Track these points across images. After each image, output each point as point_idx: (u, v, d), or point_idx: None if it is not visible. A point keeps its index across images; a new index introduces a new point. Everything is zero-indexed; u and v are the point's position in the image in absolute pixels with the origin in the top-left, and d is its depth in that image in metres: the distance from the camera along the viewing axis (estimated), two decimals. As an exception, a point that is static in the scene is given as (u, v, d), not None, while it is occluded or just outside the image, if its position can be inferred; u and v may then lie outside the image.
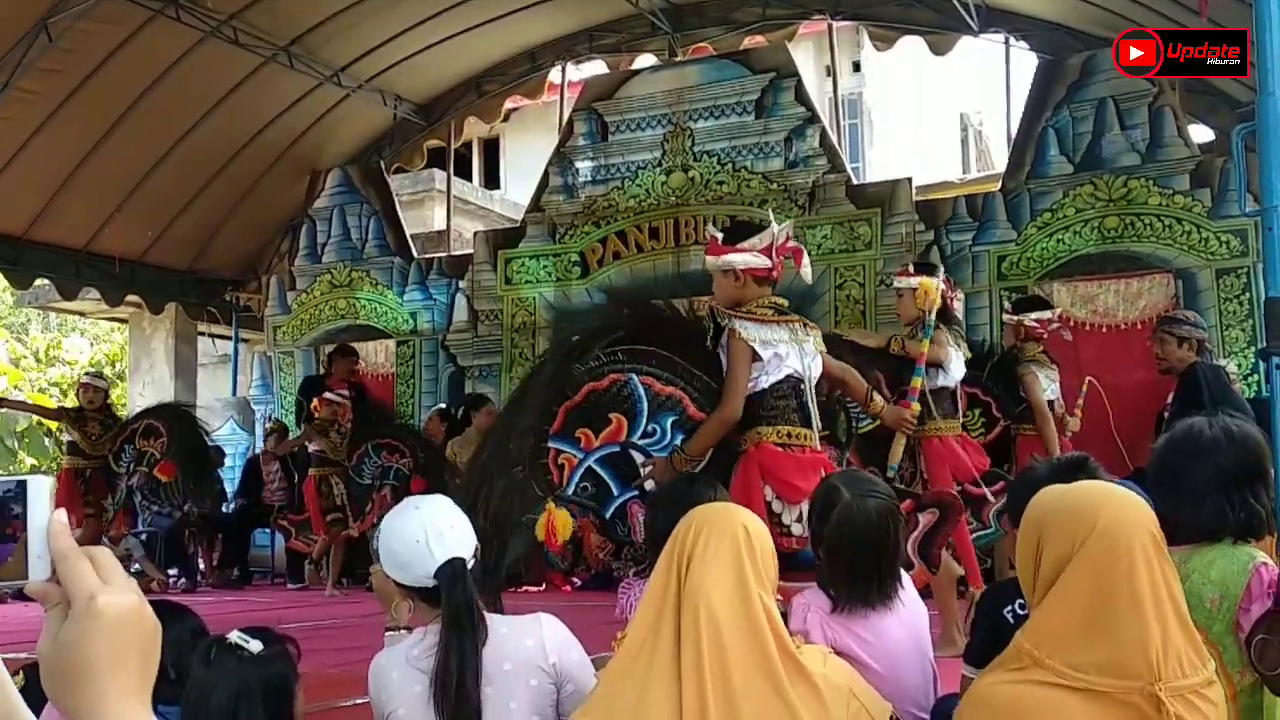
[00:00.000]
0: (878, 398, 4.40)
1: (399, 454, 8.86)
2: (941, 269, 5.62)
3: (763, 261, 3.93)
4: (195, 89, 9.44)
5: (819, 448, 4.00)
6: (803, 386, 3.95)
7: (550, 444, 4.09)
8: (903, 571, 2.75)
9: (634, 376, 4.04)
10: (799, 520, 3.66)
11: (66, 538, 0.85)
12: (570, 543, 9.08)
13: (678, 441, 3.94)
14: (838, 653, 2.45)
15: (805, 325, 4.06)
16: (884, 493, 2.74)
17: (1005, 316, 6.95)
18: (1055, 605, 1.72)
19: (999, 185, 8.72)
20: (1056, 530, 1.74)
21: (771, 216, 4.27)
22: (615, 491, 4.05)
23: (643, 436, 4.01)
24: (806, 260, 4.09)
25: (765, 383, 3.85)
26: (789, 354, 3.89)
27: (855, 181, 9.26)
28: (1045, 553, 1.74)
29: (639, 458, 3.99)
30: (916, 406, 4.66)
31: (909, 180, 8.96)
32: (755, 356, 3.83)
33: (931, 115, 16.26)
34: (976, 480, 5.18)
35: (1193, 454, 2.38)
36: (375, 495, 8.81)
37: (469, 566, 2.33)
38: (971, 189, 9.38)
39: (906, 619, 2.65)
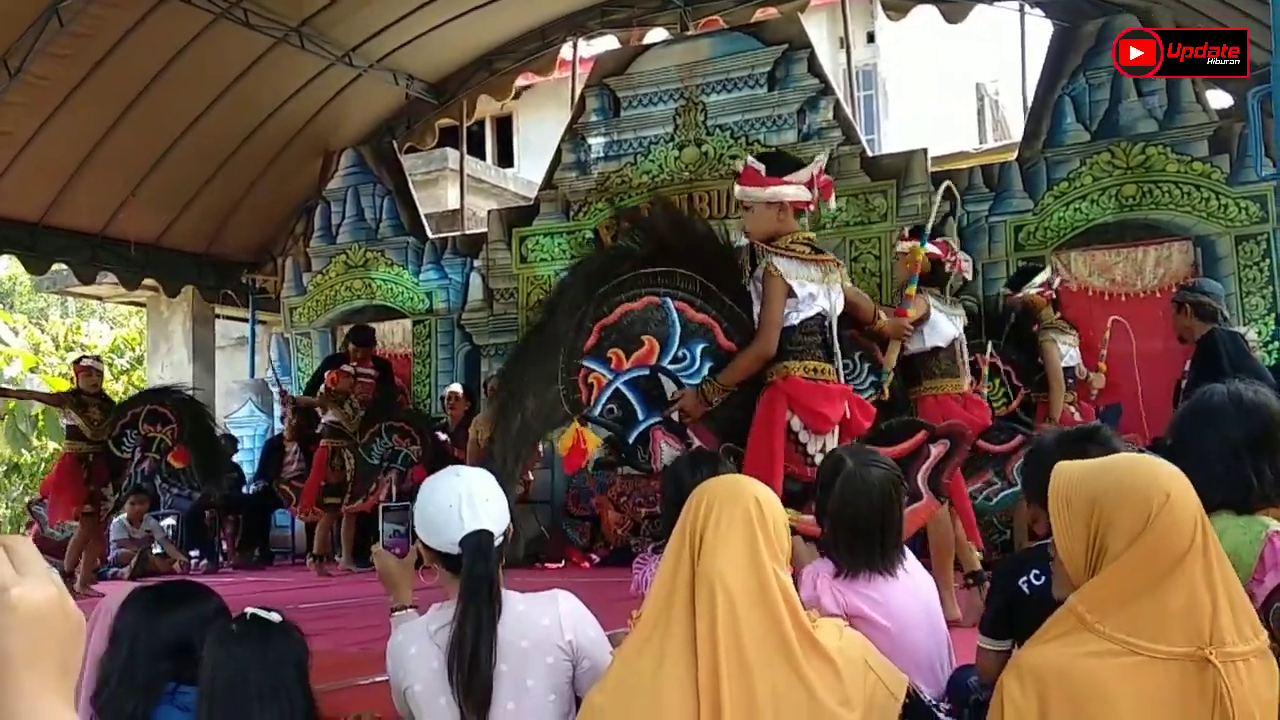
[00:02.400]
0: (882, 315, 4.48)
1: (409, 440, 8.89)
2: (934, 235, 5.64)
3: (805, 195, 3.96)
4: (207, 71, 9.42)
5: (842, 381, 4.04)
6: (828, 323, 3.99)
7: (582, 362, 4.10)
8: (907, 549, 2.77)
9: (669, 300, 4.06)
10: (823, 451, 3.69)
11: None
12: (589, 520, 9.17)
13: (706, 369, 3.97)
14: (848, 616, 2.48)
15: (835, 264, 4.10)
16: (887, 464, 2.77)
17: (1008, 299, 6.96)
18: (1116, 575, 1.72)
19: (1015, 155, 8.64)
20: (1125, 507, 1.73)
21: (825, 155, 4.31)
22: (641, 416, 4.07)
23: (673, 361, 4.03)
24: (833, 193, 4.16)
25: (795, 319, 3.90)
26: (819, 293, 3.93)
27: (870, 153, 9.19)
28: (1112, 528, 1.73)
29: (669, 386, 4.01)
30: (911, 312, 4.80)
31: (924, 151, 8.88)
32: (790, 293, 3.85)
33: (948, 86, 16.11)
34: (980, 437, 5.23)
35: (1202, 421, 2.38)
36: (380, 477, 8.86)
37: (496, 544, 2.33)
38: (987, 159, 9.30)
39: (912, 586, 2.69)
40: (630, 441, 4.14)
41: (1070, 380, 6.78)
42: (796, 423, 3.85)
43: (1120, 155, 8.08)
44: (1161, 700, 1.67)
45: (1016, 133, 10.46)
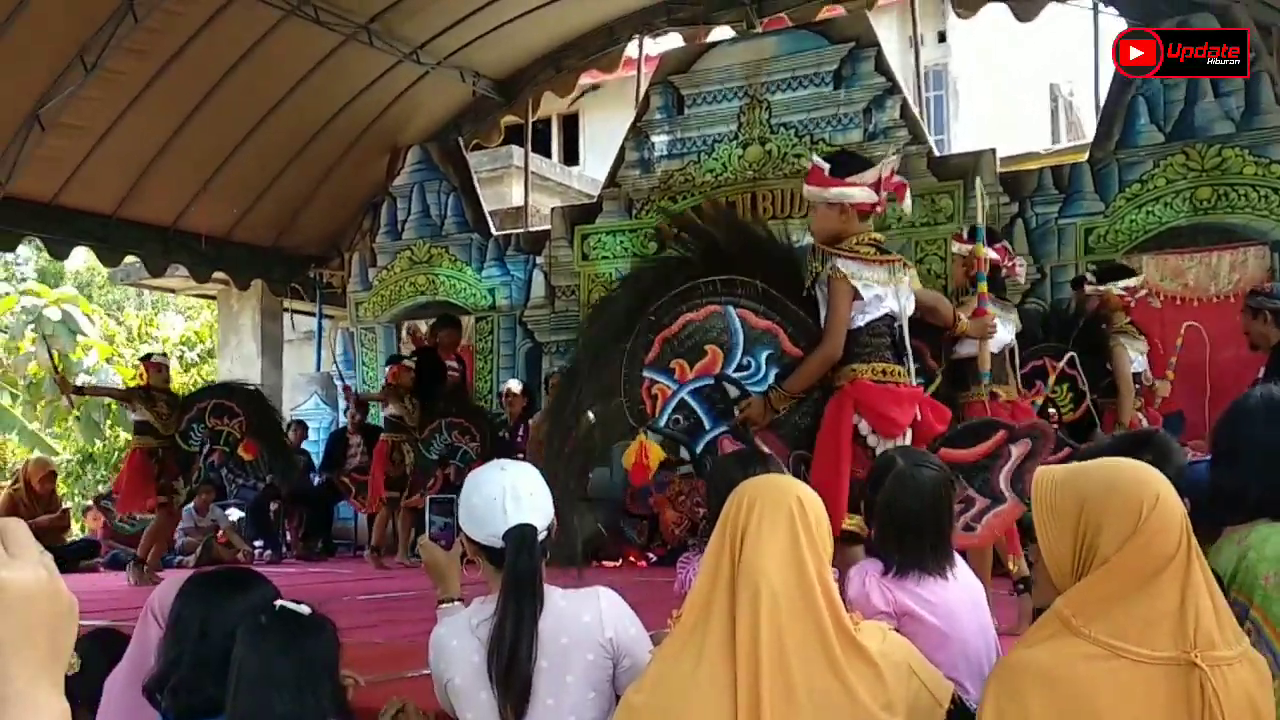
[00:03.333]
0: (963, 318, 4.40)
1: (468, 436, 8.94)
2: (994, 238, 5.54)
3: (871, 196, 3.89)
4: (277, 68, 9.56)
5: (913, 383, 3.97)
6: (897, 324, 3.92)
7: (645, 374, 4.08)
8: (956, 554, 2.71)
9: (731, 308, 4.03)
10: None
11: None
12: (647, 519, 9.16)
13: (772, 376, 3.93)
14: (897, 614, 2.44)
15: (903, 265, 4.02)
16: (939, 465, 2.72)
17: (1089, 288, 6.78)
18: (1103, 578, 1.69)
19: (1086, 156, 8.48)
20: (1115, 509, 1.70)
21: (891, 154, 4.22)
22: (707, 425, 4.04)
23: (737, 370, 4.00)
24: (908, 194, 4.06)
25: (861, 321, 3.84)
26: (887, 294, 3.87)
27: (938, 153, 9.07)
28: (1101, 531, 1.70)
29: (735, 394, 3.97)
30: (992, 309, 4.68)
31: (992, 151, 8.74)
32: (856, 295, 3.80)
33: (1020, 86, 15.86)
34: None
35: (1239, 425, 2.31)
36: (439, 472, 8.92)
37: (540, 539, 2.32)
38: (1058, 160, 9.13)
39: (963, 587, 2.65)
40: (698, 452, 4.12)
41: (1137, 386, 6.63)
42: (865, 426, 3.80)
43: (1195, 157, 7.88)
44: (1147, 704, 1.64)
45: (1091, 134, 10.28)
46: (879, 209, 4.00)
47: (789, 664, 1.92)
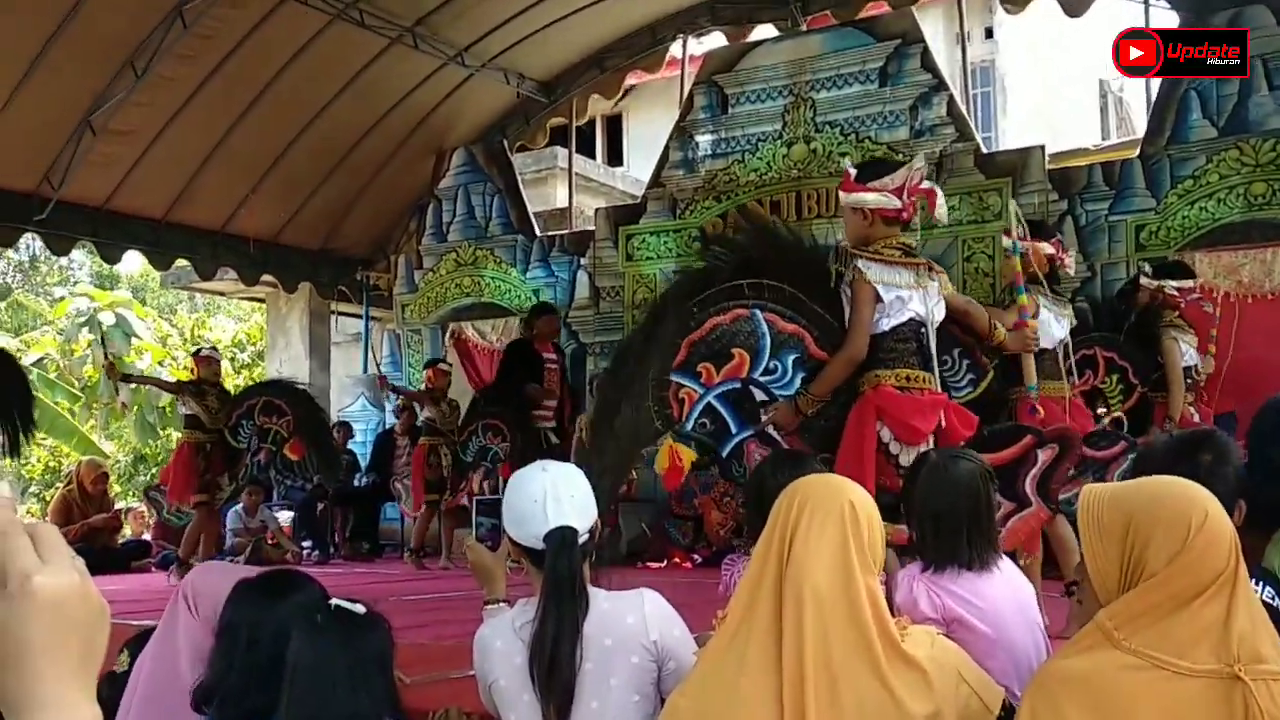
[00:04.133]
0: (1000, 327, 4.32)
1: (500, 437, 8.95)
2: (1045, 233, 5.46)
3: (892, 202, 3.86)
4: (324, 71, 9.63)
5: (938, 390, 3.92)
6: (924, 330, 3.88)
7: (672, 378, 4.08)
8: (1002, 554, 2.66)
9: (758, 312, 4.03)
10: None
11: (4, 512, 0.79)
12: (692, 520, 9.13)
13: (798, 380, 3.91)
14: (946, 621, 2.40)
15: (931, 269, 3.98)
16: (974, 458, 2.68)
17: (1144, 280, 6.68)
18: (1150, 592, 1.68)
19: (1137, 152, 8.35)
20: (1164, 525, 1.69)
21: (922, 160, 4.16)
22: (734, 429, 4.03)
23: (764, 373, 3.99)
24: (942, 201, 4.00)
25: (885, 325, 3.81)
26: (912, 297, 3.84)
27: (985, 150, 8.97)
28: (1150, 546, 1.68)
29: (761, 398, 3.96)
30: (1034, 322, 4.56)
31: (1041, 148, 8.63)
32: (878, 298, 3.77)
33: (1069, 83, 15.68)
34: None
35: (1268, 423, 2.28)
36: (471, 474, 8.95)
37: (581, 540, 2.31)
38: (1108, 156, 9.01)
39: (1010, 587, 2.59)
40: (725, 455, 4.10)
41: (1189, 381, 6.53)
42: (887, 434, 3.77)
43: (1249, 152, 7.74)
44: (1187, 716, 1.62)
45: (1141, 129, 10.13)
46: (905, 215, 3.96)
47: (834, 669, 1.90)
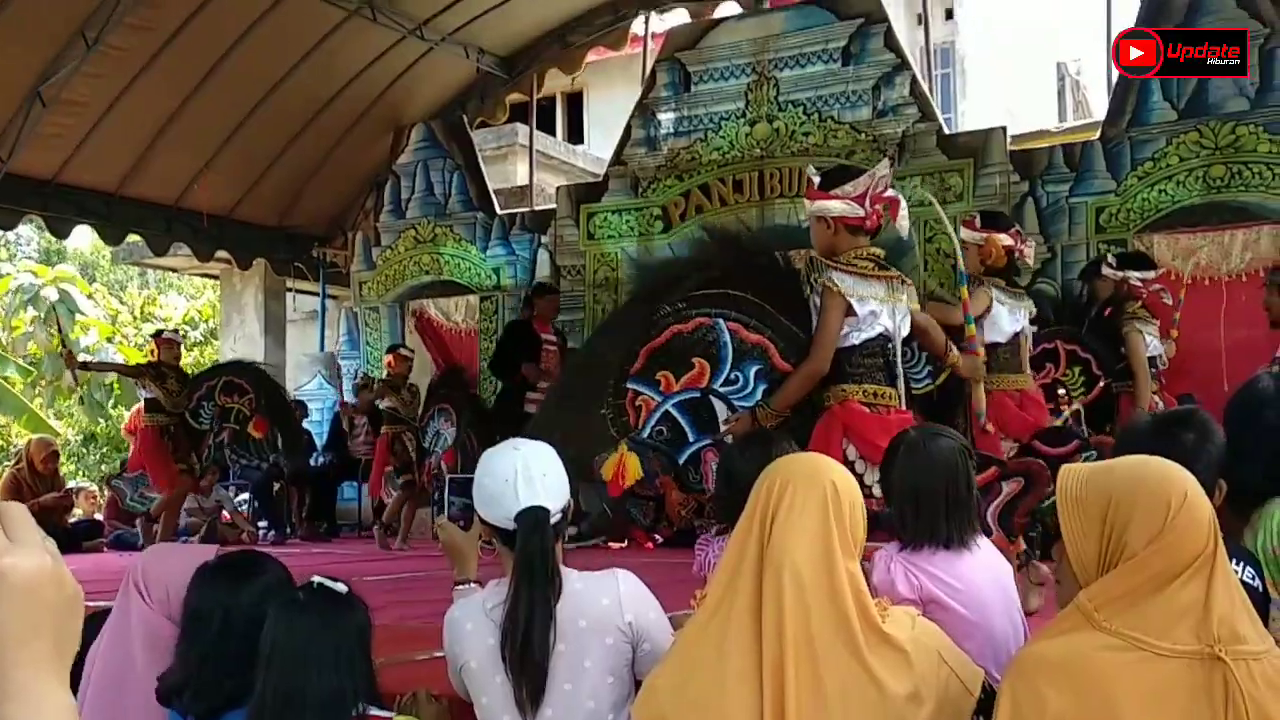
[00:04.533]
0: (954, 350, 4.29)
1: (448, 421, 8.88)
2: (1001, 223, 5.48)
3: (855, 210, 3.80)
4: (281, 44, 9.47)
5: (904, 407, 3.88)
6: (890, 345, 3.83)
7: (629, 385, 4.02)
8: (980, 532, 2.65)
9: (721, 321, 3.97)
10: (879, 482, 3.57)
11: None
12: (653, 500, 9.11)
13: (760, 392, 3.85)
14: (923, 602, 2.38)
15: (902, 281, 3.93)
16: (953, 435, 2.67)
17: (1107, 270, 6.71)
18: (1130, 572, 1.67)
19: (1098, 134, 8.39)
20: (1144, 505, 1.68)
21: (886, 167, 4.09)
22: (691, 438, 3.99)
23: (725, 384, 3.94)
24: (904, 212, 3.93)
25: (855, 339, 3.75)
26: (883, 312, 3.78)
27: (947, 131, 8.98)
28: (1130, 527, 1.68)
29: (720, 408, 3.91)
30: (982, 351, 4.50)
31: (1003, 129, 8.65)
32: (850, 311, 3.71)
33: (1027, 65, 15.77)
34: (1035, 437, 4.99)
35: (1248, 407, 2.29)
36: (427, 460, 8.88)
37: (554, 520, 2.28)
38: (1069, 138, 9.05)
39: (988, 568, 2.57)
40: (680, 463, 4.06)
41: (1153, 370, 6.57)
42: (852, 452, 3.73)
43: (1209, 135, 7.80)
44: (1167, 696, 1.61)
45: (1098, 113, 10.19)
46: (869, 223, 3.89)
47: (814, 650, 1.88)
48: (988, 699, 2.09)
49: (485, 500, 2.34)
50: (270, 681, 2.08)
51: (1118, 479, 1.74)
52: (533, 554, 2.22)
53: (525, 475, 2.28)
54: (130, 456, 9.43)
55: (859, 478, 3.60)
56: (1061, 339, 6.90)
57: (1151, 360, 6.50)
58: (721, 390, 3.93)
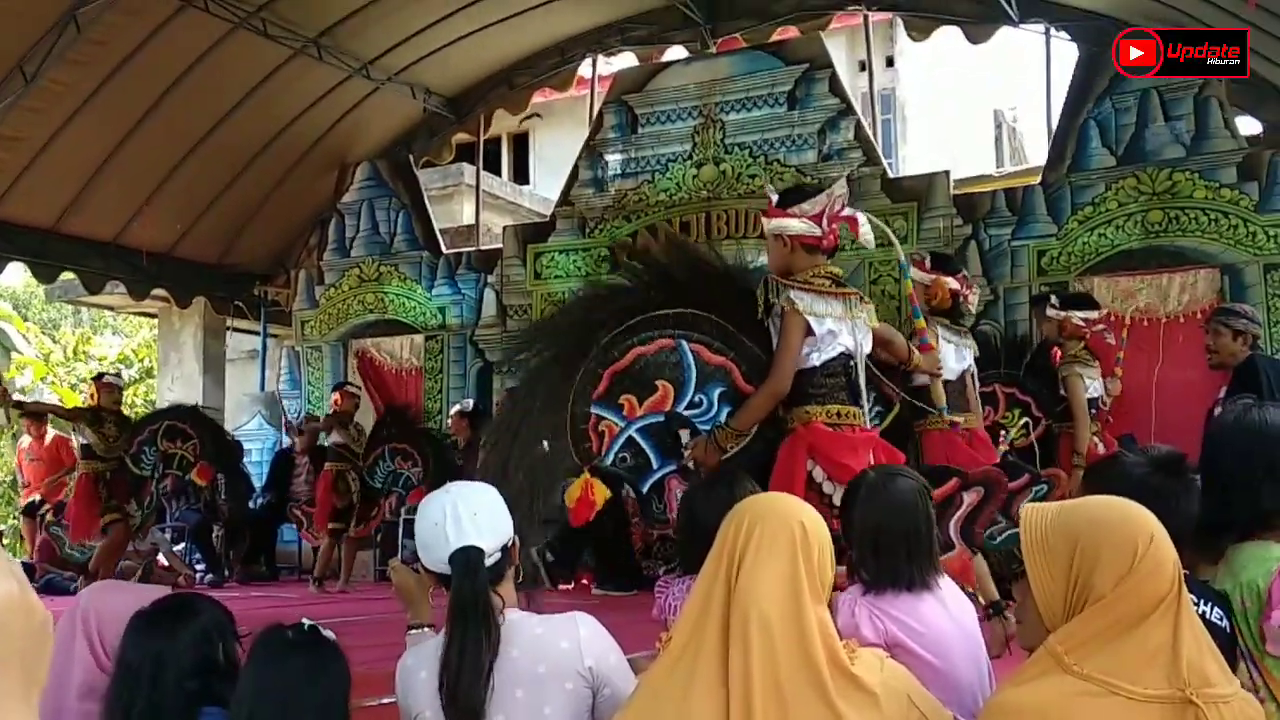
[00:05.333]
0: (916, 353, 4.29)
1: (411, 461, 8.78)
2: (945, 265, 5.55)
3: (812, 230, 3.77)
4: (225, 81, 9.38)
5: (867, 426, 3.86)
6: (853, 364, 3.80)
7: (592, 409, 3.94)
8: (943, 572, 2.62)
9: (684, 343, 3.90)
10: None
11: None
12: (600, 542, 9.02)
13: (723, 414, 3.80)
14: (888, 647, 2.35)
15: (860, 299, 3.91)
16: (913, 475, 2.65)
17: (1050, 311, 6.80)
18: (1097, 615, 1.66)
19: (1039, 179, 8.53)
20: (1110, 547, 1.67)
21: (844, 186, 4.07)
22: (655, 464, 3.91)
23: (689, 407, 3.87)
24: (865, 225, 3.91)
25: (816, 360, 3.71)
26: (841, 330, 3.75)
27: (891, 175, 9.09)
28: (1097, 569, 1.67)
29: (685, 436, 3.84)
30: (946, 339, 4.67)
31: (946, 174, 8.78)
32: (809, 331, 3.68)
33: (965, 112, 16.05)
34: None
35: (1217, 442, 2.31)
36: (382, 500, 8.76)
37: (492, 560, 2.21)
38: (1011, 182, 9.20)
39: (953, 610, 2.54)
40: (644, 491, 3.99)
41: (1093, 411, 6.64)
42: (819, 473, 3.69)
43: (1146, 180, 7.96)
44: None
45: (1034, 159, 10.37)
46: (825, 243, 3.86)
47: (782, 693, 1.84)
48: (956, 743, 2.07)
49: (421, 546, 2.28)
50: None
51: (1084, 520, 1.73)
52: (465, 596, 2.16)
53: (454, 516, 2.23)
54: (67, 507, 9.18)
55: (828, 499, 3.57)
56: (1000, 383, 6.97)
57: (1092, 401, 6.57)
58: (685, 414, 3.87)
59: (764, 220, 3.92)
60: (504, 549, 2.28)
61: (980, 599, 4.58)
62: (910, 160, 14.28)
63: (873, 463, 3.74)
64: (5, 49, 8.09)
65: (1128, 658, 1.63)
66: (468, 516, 2.23)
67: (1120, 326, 7.29)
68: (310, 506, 9.35)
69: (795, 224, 3.81)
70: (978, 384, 5.57)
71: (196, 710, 2.19)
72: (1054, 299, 6.93)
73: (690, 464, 3.79)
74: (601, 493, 3.88)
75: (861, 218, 3.94)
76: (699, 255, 4.77)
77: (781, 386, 3.68)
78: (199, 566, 10.07)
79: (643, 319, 3.97)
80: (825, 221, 3.83)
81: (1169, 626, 1.64)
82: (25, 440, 10.12)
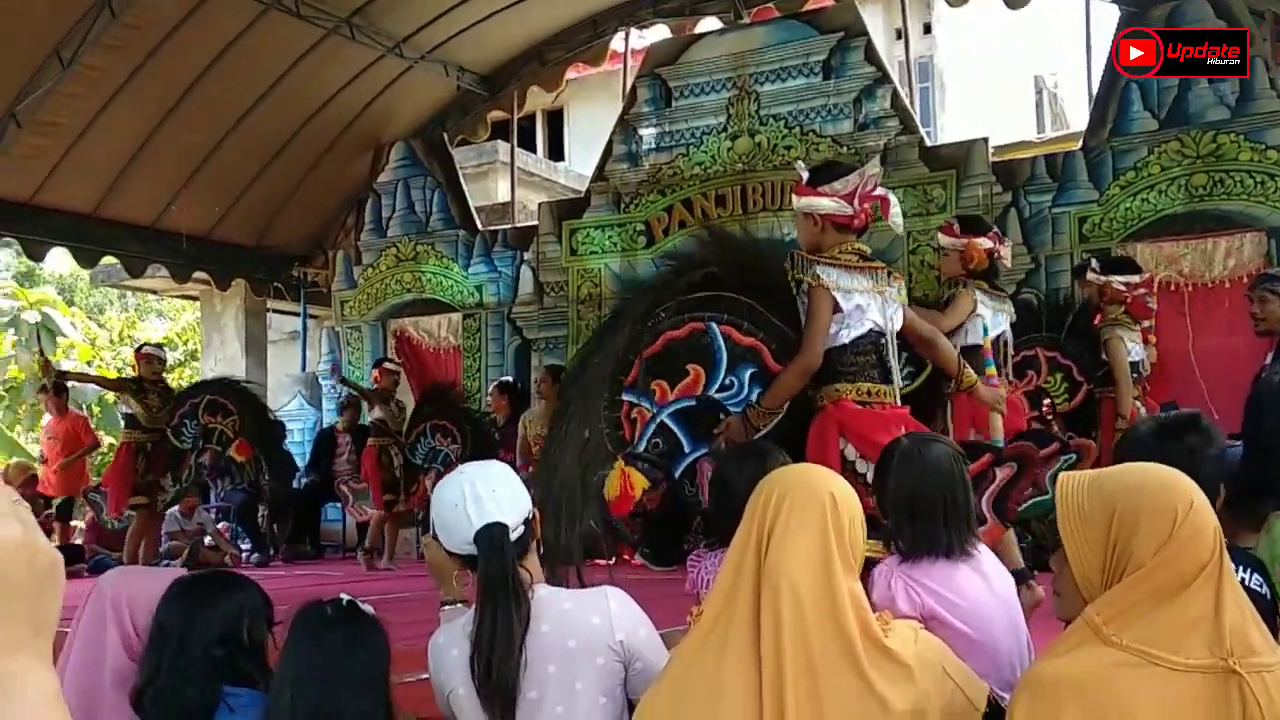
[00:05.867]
0: (969, 371, 4.17)
1: (450, 439, 8.82)
2: (978, 227, 5.46)
3: (844, 209, 3.73)
4: (259, 63, 9.41)
5: (899, 404, 3.81)
6: (883, 341, 3.76)
7: (624, 397, 3.92)
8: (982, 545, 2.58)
9: (714, 325, 3.87)
10: None
11: None
12: (640, 517, 9.02)
13: (755, 396, 3.77)
14: (924, 619, 2.32)
15: (889, 274, 3.86)
16: (947, 441, 2.61)
17: (1090, 275, 6.69)
18: (1137, 585, 1.63)
19: (1079, 144, 8.39)
20: (1149, 514, 1.63)
21: (877, 165, 4.01)
22: (687, 448, 3.89)
23: (720, 389, 3.84)
24: (896, 209, 3.86)
25: (845, 338, 3.66)
26: (870, 305, 3.70)
27: (928, 143, 8.98)
28: (1136, 536, 1.63)
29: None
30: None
31: (985, 141, 8.65)
32: (836, 307, 3.64)
33: (1005, 79, 15.84)
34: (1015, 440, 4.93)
35: (1259, 409, 2.26)
36: (422, 476, 8.80)
37: (515, 535, 2.21)
38: (1051, 148, 9.06)
39: (992, 580, 2.50)
40: (677, 476, 3.95)
41: (1135, 375, 6.54)
42: (851, 451, 3.65)
43: (1190, 144, 7.81)
44: (1184, 712, 1.57)
45: (1076, 125, 10.21)
46: (857, 222, 3.80)
47: (814, 665, 1.82)
48: (994, 714, 2.04)
49: (443, 531, 2.28)
50: (291, 701, 2.05)
51: (1121, 488, 1.69)
52: (493, 574, 2.15)
53: (473, 495, 2.22)
54: (104, 473, 9.30)
55: (860, 476, 3.53)
56: (1041, 346, 6.88)
57: (1134, 365, 6.47)
58: (717, 396, 3.84)
59: (794, 198, 3.87)
60: (526, 523, 2.28)
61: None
62: (949, 129, 14.10)
63: None
64: (42, 35, 8.16)
65: (1168, 627, 1.59)
66: (487, 494, 2.23)
67: (1167, 296, 7.16)
68: (356, 483, 9.42)
69: (826, 202, 3.76)
70: (1012, 349, 5.49)
71: (219, 682, 2.22)
72: (1094, 263, 6.82)
73: (722, 446, 3.76)
74: (640, 482, 3.85)
75: (893, 198, 3.88)
76: (732, 240, 4.71)
77: (812, 361, 3.64)
78: (244, 546, 10.19)
79: (675, 304, 3.94)
80: (857, 200, 3.78)
81: (1211, 594, 1.60)
82: (46, 418, 10.20)
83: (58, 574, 0.69)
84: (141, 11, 8.24)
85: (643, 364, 3.91)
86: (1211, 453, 2.15)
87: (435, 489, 2.35)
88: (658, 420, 3.91)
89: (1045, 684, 1.66)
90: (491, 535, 2.18)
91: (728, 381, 3.85)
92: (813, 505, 1.89)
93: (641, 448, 3.90)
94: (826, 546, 1.87)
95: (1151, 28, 7.75)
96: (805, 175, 3.86)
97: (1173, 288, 7.77)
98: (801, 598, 1.83)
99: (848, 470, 3.55)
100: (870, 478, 3.47)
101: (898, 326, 3.83)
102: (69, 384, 10.41)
